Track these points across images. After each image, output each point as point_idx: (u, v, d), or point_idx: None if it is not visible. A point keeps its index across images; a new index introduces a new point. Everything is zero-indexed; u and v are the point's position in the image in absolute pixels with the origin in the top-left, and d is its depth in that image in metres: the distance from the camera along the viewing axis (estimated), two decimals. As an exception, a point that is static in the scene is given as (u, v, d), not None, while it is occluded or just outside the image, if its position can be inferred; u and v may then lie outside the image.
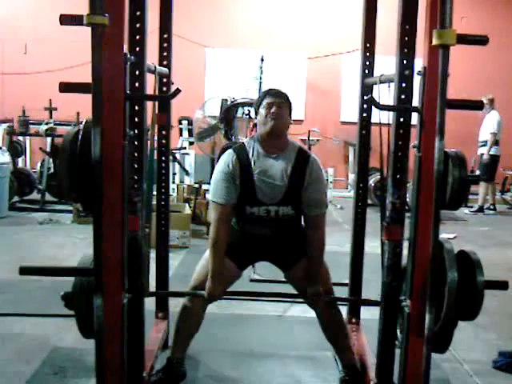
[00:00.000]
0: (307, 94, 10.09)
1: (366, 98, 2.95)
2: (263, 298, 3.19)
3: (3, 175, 6.65)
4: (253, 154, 2.58)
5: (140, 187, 2.18)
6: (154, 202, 2.96)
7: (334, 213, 7.69)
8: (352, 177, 8.72)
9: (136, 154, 2.16)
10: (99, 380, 1.92)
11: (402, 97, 2.15)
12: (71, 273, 2.01)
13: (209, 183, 2.74)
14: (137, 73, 2.13)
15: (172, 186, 6.56)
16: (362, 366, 2.73)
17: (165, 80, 2.97)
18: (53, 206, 7.27)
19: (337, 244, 4.87)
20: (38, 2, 9.75)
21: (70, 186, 1.97)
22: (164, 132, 3.07)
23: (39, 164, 8.00)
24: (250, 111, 6.74)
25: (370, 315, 3.07)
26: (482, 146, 8.32)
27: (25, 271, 1.93)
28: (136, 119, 2.15)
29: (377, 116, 2.41)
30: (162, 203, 3.15)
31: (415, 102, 2.12)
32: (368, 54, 3.01)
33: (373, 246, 3.13)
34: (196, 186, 6.60)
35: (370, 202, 3.69)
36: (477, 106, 2.10)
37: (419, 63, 2.09)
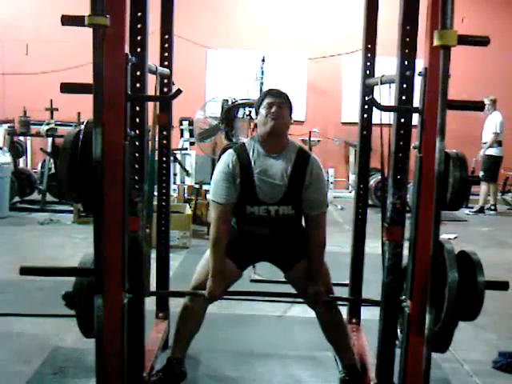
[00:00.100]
0: (308, 95, 10.08)
1: (366, 98, 2.96)
2: (263, 298, 3.19)
3: (4, 175, 6.66)
4: (253, 154, 2.59)
5: (141, 188, 2.18)
6: (155, 203, 2.97)
7: (335, 213, 7.69)
8: (353, 177, 8.71)
9: (137, 155, 2.16)
10: (99, 380, 1.93)
11: (403, 97, 2.15)
12: (72, 273, 2.02)
13: (209, 184, 2.74)
14: (138, 73, 2.13)
15: (173, 186, 6.56)
16: (362, 366, 2.74)
17: (166, 81, 2.98)
18: (53, 206, 7.27)
19: (337, 244, 4.86)
20: (39, 2, 9.75)
21: (71, 187, 1.97)
22: (165, 132, 3.08)
23: (40, 164, 8.03)
24: (250, 112, 6.72)
25: (370, 315, 3.08)
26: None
27: (25, 271, 1.94)
28: (137, 120, 2.15)
29: (378, 117, 2.42)
30: (163, 203, 3.15)
31: (416, 103, 2.13)
32: (369, 54, 3.01)
33: (373, 246, 3.12)
34: (197, 186, 6.60)
35: (370, 202, 3.69)
36: (477, 106, 2.10)
37: (420, 64, 2.09)
